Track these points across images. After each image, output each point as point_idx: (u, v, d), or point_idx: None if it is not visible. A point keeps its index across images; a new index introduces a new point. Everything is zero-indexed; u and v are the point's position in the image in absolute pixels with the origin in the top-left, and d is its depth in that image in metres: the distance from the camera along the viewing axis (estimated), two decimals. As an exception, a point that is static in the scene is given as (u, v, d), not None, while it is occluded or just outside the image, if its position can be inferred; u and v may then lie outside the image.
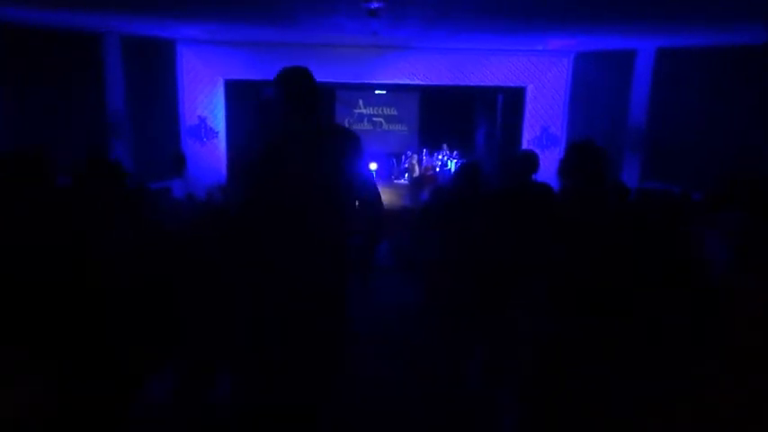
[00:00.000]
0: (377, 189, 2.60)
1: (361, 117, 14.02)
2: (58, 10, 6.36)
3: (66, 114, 7.61)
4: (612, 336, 1.68)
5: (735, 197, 3.60)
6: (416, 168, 11.72)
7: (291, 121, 2.49)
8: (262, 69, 9.20)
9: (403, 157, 12.73)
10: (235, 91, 9.99)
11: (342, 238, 2.49)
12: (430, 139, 13.13)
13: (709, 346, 0.92)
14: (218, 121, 9.82)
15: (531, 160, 4.10)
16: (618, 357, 1.55)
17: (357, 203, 2.54)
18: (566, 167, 2.82)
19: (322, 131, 2.53)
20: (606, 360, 1.57)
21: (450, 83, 9.99)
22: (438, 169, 11.67)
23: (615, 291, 1.71)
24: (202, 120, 9.64)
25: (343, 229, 2.49)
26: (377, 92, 13.25)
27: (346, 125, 11.33)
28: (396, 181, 12.80)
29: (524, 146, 10.15)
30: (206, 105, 9.67)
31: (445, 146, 12.19)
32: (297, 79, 2.51)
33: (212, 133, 9.74)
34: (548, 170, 11.31)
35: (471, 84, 10.04)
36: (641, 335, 1.62)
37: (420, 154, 12.13)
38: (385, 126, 14.10)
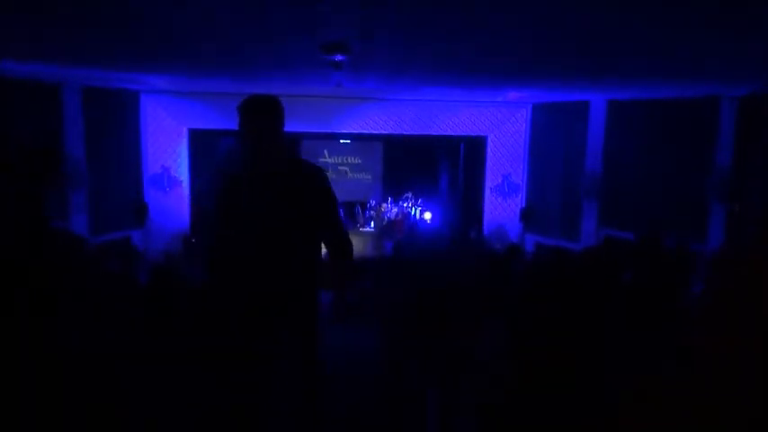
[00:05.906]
0: (346, 232, 2.50)
1: (326, 167, 14.13)
2: (15, 61, 6.29)
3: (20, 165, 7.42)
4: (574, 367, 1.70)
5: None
6: (382, 216, 11.79)
7: (254, 154, 2.37)
8: (227, 119, 9.20)
9: (368, 205, 12.82)
10: (199, 140, 9.97)
11: (306, 277, 2.40)
12: (394, 186, 13.28)
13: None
14: (182, 170, 9.73)
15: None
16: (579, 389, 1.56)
17: (325, 246, 2.45)
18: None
19: (285, 166, 2.39)
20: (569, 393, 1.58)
21: (414, 132, 10.25)
22: (403, 217, 11.77)
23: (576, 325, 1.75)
24: (166, 169, 9.54)
25: (309, 265, 2.39)
26: (341, 141, 13.42)
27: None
28: (361, 229, 12.82)
29: (486, 194, 10.38)
30: (170, 155, 9.60)
31: (409, 193, 12.35)
32: (259, 111, 2.38)
33: (175, 182, 9.63)
34: (509, 216, 11.50)
35: (434, 133, 10.32)
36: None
37: (385, 202, 12.25)
38: (350, 175, 14.22)
